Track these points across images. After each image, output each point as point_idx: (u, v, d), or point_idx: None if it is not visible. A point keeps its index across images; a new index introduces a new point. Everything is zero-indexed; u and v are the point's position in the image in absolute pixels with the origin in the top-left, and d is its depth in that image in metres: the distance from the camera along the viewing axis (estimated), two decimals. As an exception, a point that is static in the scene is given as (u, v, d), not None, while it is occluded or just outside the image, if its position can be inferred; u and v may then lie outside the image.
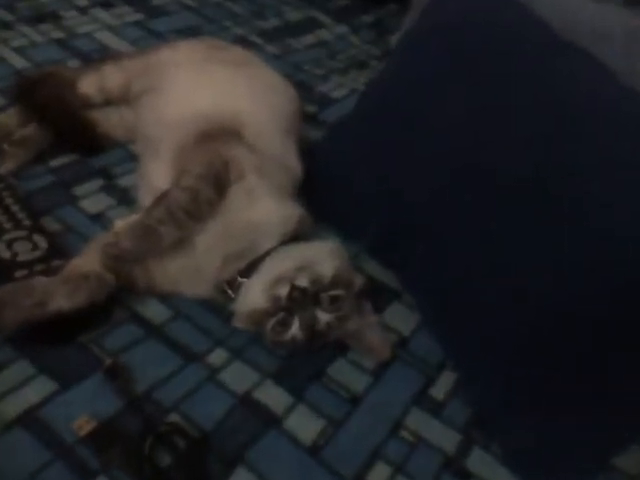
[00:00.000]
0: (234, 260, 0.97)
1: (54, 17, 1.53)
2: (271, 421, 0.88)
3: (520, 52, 1.02)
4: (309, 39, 1.80)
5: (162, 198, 0.94)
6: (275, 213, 0.99)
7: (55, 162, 1.17)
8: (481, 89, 1.03)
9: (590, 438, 0.87)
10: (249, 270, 0.96)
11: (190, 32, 1.61)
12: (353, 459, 0.86)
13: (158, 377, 0.89)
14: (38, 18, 1.51)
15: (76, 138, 1.21)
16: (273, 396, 0.91)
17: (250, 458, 0.83)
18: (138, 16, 1.64)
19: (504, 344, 0.92)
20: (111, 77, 1.23)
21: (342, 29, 1.90)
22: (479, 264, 0.96)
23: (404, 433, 0.91)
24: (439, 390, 0.98)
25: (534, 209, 0.91)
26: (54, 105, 1.19)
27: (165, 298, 0.99)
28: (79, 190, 1.13)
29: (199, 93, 1.12)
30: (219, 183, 0.97)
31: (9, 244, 0.96)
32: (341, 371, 0.97)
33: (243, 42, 1.64)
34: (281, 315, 0.91)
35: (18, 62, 1.36)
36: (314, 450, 0.86)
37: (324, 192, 1.17)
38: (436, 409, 0.95)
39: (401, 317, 1.07)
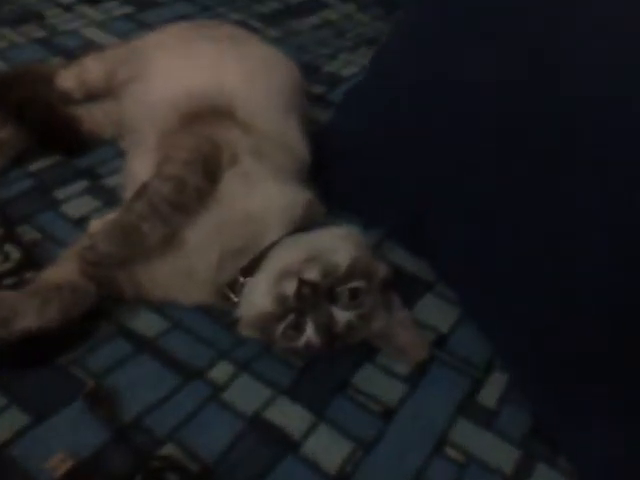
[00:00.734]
0: (233, 258, 0.83)
1: (37, 17, 1.44)
2: (287, 446, 0.74)
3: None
4: (313, 20, 1.68)
5: (143, 190, 0.81)
6: (277, 199, 0.85)
7: (34, 166, 1.06)
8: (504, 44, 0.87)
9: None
10: (252, 268, 0.82)
11: (183, 21, 1.48)
12: (389, 488, 0.71)
13: (150, 401, 0.75)
14: (20, 19, 1.42)
15: (58, 138, 1.10)
16: (289, 415, 0.77)
17: (264, 493, 0.69)
18: (127, 9, 1.54)
19: (568, 335, 0.75)
20: (92, 69, 1.13)
21: (348, 8, 1.79)
22: (528, 241, 0.80)
23: (450, 451, 0.76)
24: (489, 396, 0.82)
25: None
26: (31, 104, 1.08)
27: (158, 307, 0.86)
28: (61, 193, 1.02)
29: (184, 72, 0.99)
30: (209, 169, 0.83)
31: (-25, 256, 0.84)
32: (369, 380, 0.82)
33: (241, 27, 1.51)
34: (291, 317, 0.76)
35: (-4, 64, 1.26)
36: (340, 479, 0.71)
37: (338, 175, 1.04)
38: (487, 419, 0.80)
39: (437, 311, 0.92)
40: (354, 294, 0.78)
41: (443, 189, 0.91)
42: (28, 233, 0.93)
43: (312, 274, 0.76)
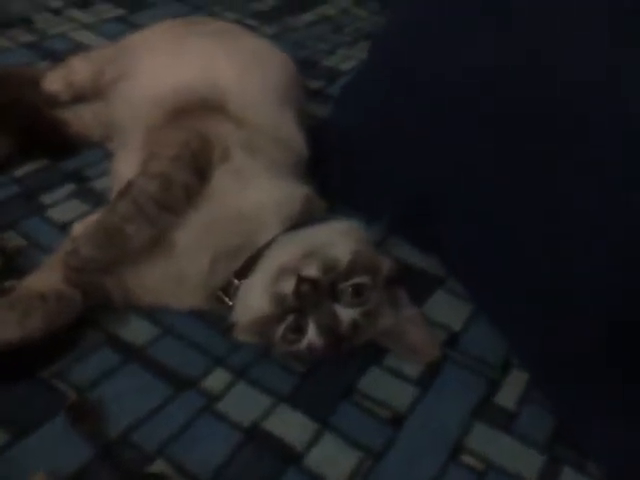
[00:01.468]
0: (227, 259, 0.77)
1: (25, 21, 1.40)
2: (289, 458, 0.68)
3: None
4: (310, 16, 1.64)
5: (127, 189, 0.76)
6: (272, 195, 0.79)
7: (20, 171, 1.02)
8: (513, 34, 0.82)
9: None
10: (247, 269, 0.76)
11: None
12: (402, 500, 0.65)
13: (139, 413, 0.69)
14: (8, 23, 1.38)
15: (44, 141, 1.06)
16: (290, 425, 0.71)
17: (264, 511, 0.63)
18: (118, 11, 1.50)
19: (592, 329, 0.69)
20: (78, 70, 1.09)
21: (345, 3, 1.74)
22: (526, 241, 0.75)
23: (467, 458, 0.70)
24: (507, 397, 0.76)
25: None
26: (17, 107, 1.04)
27: (149, 313, 0.80)
28: (47, 198, 0.97)
29: (172, 68, 0.95)
30: (198, 165, 0.78)
31: (-48, 266, 0.79)
32: (377, 384, 0.76)
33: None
34: (291, 318, 0.71)
35: (-19, 69, 1.21)
36: (348, 493, 0.65)
37: (337, 170, 0.99)
38: (506, 422, 0.73)
39: (448, 308, 0.85)
40: (358, 290, 0.72)
41: (441, 184, 0.86)
42: (13, 239, 0.88)
43: (311, 270, 0.70)
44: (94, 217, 0.76)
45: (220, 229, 0.77)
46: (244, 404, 0.72)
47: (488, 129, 0.82)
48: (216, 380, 0.74)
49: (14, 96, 1.04)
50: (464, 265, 0.87)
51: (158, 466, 0.64)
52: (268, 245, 0.77)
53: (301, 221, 0.79)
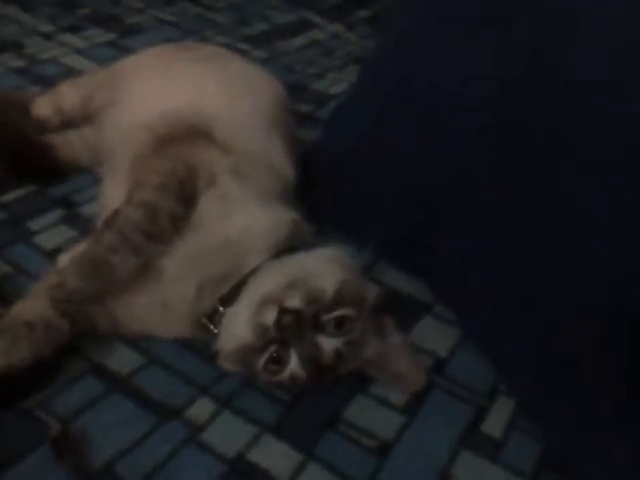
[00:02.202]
0: (213, 286, 0.77)
1: (15, 46, 1.40)
2: (274, 490, 0.66)
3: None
4: (301, 40, 1.65)
5: (112, 219, 0.75)
6: (259, 220, 0.79)
7: (7, 196, 1.01)
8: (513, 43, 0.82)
9: None
10: (232, 296, 0.76)
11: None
12: (388, 533, 0.64)
13: (122, 444, 0.68)
14: (-2, 49, 1.38)
15: (33, 166, 1.05)
16: (274, 456, 0.70)
17: None
18: (110, 36, 1.51)
19: (571, 339, 0.69)
20: (68, 95, 1.09)
21: (336, 27, 1.75)
22: (528, 245, 0.75)
23: (454, 488, 0.69)
24: (494, 425, 0.75)
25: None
26: (5, 132, 1.04)
27: (134, 341, 0.80)
28: (34, 224, 0.97)
29: (161, 93, 0.95)
30: (184, 193, 0.78)
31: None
32: (362, 412, 0.75)
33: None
34: (273, 349, 0.70)
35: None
36: (333, 526, 0.64)
37: (327, 195, 0.99)
38: (493, 451, 0.73)
39: (435, 334, 0.85)
40: (341, 322, 0.72)
41: (437, 201, 0.86)
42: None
43: (294, 301, 0.70)
44: (80, 248, 0.76)
45: (206, 256, 0.77)
46: (229, 434, 0.71)
47: (488, 138, 0.82)
48: (201, 409, 0.73)
49: (2, 121, 1.04)
50: (458, 282, 0.86)
51: (141, 499, 0.64)
52: (254, 272, 0.76)
53: (288, 247, 0.79)
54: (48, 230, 0.95)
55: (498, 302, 0.79)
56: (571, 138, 0.74)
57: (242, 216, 0.79)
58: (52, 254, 0.90)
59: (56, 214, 0.98)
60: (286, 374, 0.70)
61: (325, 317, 0.71)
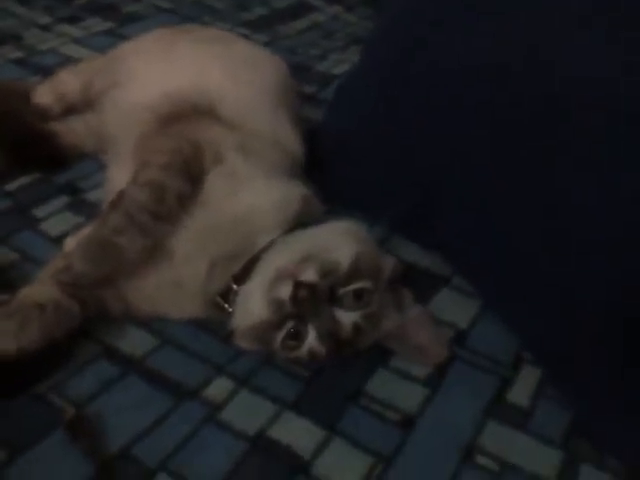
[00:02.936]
0: (225, 264, 0.75)
1: (15, 38, 1.38)
2: (297, 467, 0.65)
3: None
4: (301, 23, 1.63)
5: (118, 200, 0.74)
6: (269, 196, 0.77)
7: (12, 185, 0.99)
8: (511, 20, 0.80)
9: None
10: (245, 273, 0.74)
11: (165, 30, 1.44)
12: (416, 506, 0.62)
13: (139, 427, 0.67)
14: (-3, 41, 1.36)
15: (36, 154, 1.03)
16: (296, 432, 0.68)
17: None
18: (108, 24, 1.49)
19: (592, 324, 0.67)
20: (68, 81, 1.08)
21: (335, 9, 1.73)
22: (524, 238, 0.74)
23: (481, 459, 0.67)
24: (520, 394, 0.73)
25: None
26: (7, 121, 1.02)
27: (147, 323, 0.78)
28: (40, 211, 0.95)
29: (163, 74, 0.93)
30: (190, 171, 0.76)
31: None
32: (384, 386, 0.73)
33: (226, 33, 1.46)
34: (290, 324, 0.68)
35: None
36: (360, 500, 0.62)
37: (334, 174, 0.96)
38: (520, 420, 0.71)
39: (454, 306, 0.83)
40: (358, 294, 0.70)
41: (438, 173, 0.84)
42: (5, 254, 0.86)
43: (309, 275, 0.68)
44: (86, 231, 0.74)
45: (217, 234, 0.75)
46: (248, 412, 0.69)
47: (484, 115, 0.80)
48: (218, 389, 0.71)
49: (4, 110, 1.03)
50: (465, 260, 0.85)
51: (161, 480, 0.62)
52: (266, 248, 0.74)
53: (300, 222, 0.77)
54: (54, 217, 0.94)
55: (499, 286, 0.78)
56: (569, 128, 0.72)
57: (251, 192, 0.77)
58: (58, 241, 0.88)
59: (61, 201, 0.97)
60: (304, 350, 0.69)
61: (342, 290, 0.69)
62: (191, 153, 0.78)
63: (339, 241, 0.73)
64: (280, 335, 0.69)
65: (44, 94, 1.06)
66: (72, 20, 1.49)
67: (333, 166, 0.97)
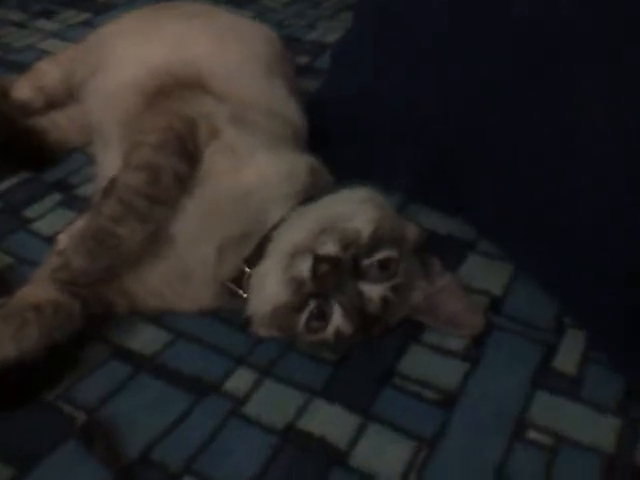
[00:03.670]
0: (234, 247, 0.69)
1: (-12, 38, 1.32)
2: (333, 458, 0.60)
3: None
4: (287, -4, 1.56)
5: (111, 187, 0.68)
6: (274, 168, 0.71)
7: (1, 186, 0.94)
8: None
9: None
10: (257, 255, 0.68)
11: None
12: (468, 490, 0.57)
13: (158, 429, 0.61)
14: (-29, 41, 1.30)
15: (22, 153, 0.98)
16: (328, 421, 0.63)
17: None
18: (84, 16, 1.44)
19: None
20: (48, 71, 1.03)
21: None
22: (568, 169, 0.68)
23: (534, 434, 0.62)
24: (566, 360, 0.68)
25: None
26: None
27: (156, 319, 0.72)
28: (32, 211, 0.90)
29: (144, 51, 0.87)
30: (185, 149, 0.70)
31: None
32: (419, 364, 0.68)
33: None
34: (313, 304, 0.63)
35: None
36: (406, 489, 0.57)
37: (341, 142, 0.90)
38: (570, 388, 0.65)
39: (484, 272, 0.78)
40: (384, 265, 0.64)
41: (459, 139, 0.79)
42: (0, 258, 0.80)
43: (329, 247, 0.62)
44: (79, 224, 0.68)
45: (222, 215, 0.69)
46: (274, 404, 0.64)
47: (504, 70, 0.74)
48: (239, 381, 0.66)
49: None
50: (494, 223, 0.79)
51: (187, 485, 0.57)
52: (277, 225, 0.69)
53: (310, 194, 0.71)
54: (47, 215, 0.89)
55: (542, 234, 0.72)
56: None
57: (254, 166, 0.71)
58: (53, 240, 0.82)
59: (53, 198, 0.92)
60: (330, 330, 0.63)
61: (366, 261, 0.63)
62: (184, 129, 0.72)
63: (356, 209, 0.68)
64: (302, 317, 0.63)
65: (23, 88, 1.02)
66: (47, 14, 1.44)
67: (338, 136, 0.91)
